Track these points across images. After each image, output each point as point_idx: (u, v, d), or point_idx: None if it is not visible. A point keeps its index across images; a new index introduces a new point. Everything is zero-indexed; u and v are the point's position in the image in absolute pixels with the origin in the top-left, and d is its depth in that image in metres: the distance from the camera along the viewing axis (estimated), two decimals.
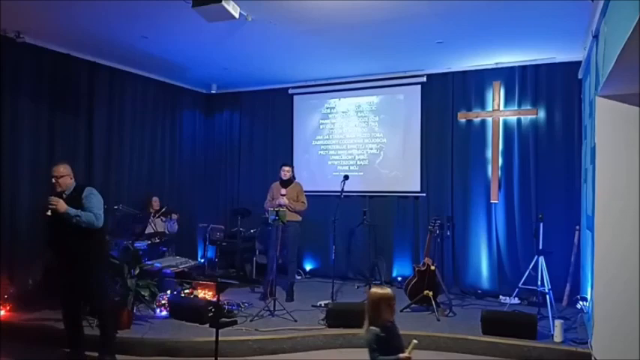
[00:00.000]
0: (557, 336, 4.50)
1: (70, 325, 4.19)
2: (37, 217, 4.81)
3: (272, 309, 5.26)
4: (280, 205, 5.81)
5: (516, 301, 5.77)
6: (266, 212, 6.03)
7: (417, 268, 5.64)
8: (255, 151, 8.12)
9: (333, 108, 7.58)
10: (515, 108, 6.32)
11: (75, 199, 4.08)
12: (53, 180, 4.12)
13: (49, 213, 3.95)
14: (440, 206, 6.70)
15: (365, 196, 7.21)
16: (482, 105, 6.55)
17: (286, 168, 6.17)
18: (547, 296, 5.05)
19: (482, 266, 6.44)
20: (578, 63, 5.71)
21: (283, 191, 6.01)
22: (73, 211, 3.97)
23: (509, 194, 6.32)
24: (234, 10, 4.34)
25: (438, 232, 5.86)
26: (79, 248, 4.06)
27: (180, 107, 7.90)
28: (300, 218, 6.06)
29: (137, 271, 4.89)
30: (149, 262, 5.60)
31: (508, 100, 6.38)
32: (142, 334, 4.52)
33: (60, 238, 4.07)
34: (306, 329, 4.80)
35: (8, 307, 5.13)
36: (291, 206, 5.93)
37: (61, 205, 3.95)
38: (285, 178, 6.10)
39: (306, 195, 6.18)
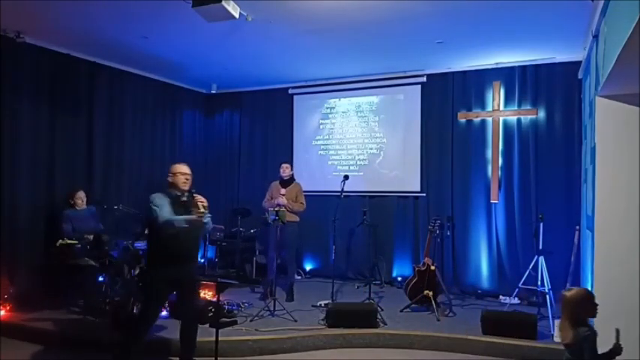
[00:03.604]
0: (557, 336, 4.50)
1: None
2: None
3: (272, 309, 5.26)
4: (279, 205, 5.79)
5: (516, 301, 5.77)
6: (266, 212, 6.03)
7: (417, 268, 5.63)
8: (255, 151, 8.12)
9: (333, 108, 7.58)
10: (515, 108, 6.32)
11: (189, 203, 3.64)
12: (184, 179, 3.69)
13: (202, 217, 3.53)
14: (440, 206, 6.71)
15: (365, 196, 7.22)
16: (482, 105, 6.55)
17: (285, 165, 6.16)
18: (547, 296, 5.06)
19: (482, 266, 6.44)
20: (578, 63, 5.71)
21: (283, 191, 6.00)
22: (208, 214, 3.58)
23: (509, 194, 6.32)
24: (234, 10, 4.34)
25: (438, 232, 5.86)
26: (195, 259, 3.83)
27: (180, 107, 7.91)
28: (298, 219, 6.02)
29: (137, 271, 4.89)
30: None
31: (508, 100, 6.39)
32: None
33: (187, 249, 3.67)
34: (306, 329, 4.80)
35: (8, 307, 5.12)
36: (290, 206, 5.90)
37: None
38: (284, 176, 6.08)
39: (305, 195, 6.17)
